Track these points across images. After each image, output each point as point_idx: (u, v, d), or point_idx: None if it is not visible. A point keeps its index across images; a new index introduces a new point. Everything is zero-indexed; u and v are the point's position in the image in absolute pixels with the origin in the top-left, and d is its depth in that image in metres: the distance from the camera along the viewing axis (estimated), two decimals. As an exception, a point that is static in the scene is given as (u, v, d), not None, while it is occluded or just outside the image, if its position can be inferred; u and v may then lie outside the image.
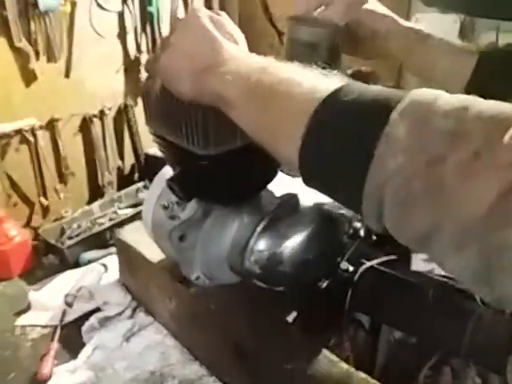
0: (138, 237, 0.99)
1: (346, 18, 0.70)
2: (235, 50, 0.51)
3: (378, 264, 0.77)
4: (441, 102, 0.32)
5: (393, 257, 0.78)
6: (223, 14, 0.56)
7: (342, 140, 0.36)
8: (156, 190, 0.83)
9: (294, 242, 0.71)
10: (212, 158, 0.59)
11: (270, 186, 0.74)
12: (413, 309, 0.73)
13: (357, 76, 1.54)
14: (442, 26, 1.44)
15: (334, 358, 0.68)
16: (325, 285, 0.85)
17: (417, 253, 0.81)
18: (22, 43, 1.14)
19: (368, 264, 0.79)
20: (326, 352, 0.69)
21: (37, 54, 1.19)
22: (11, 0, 1.09)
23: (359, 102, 0.36)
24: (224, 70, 0.47)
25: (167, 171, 0.83)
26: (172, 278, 0.86)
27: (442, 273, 0.70)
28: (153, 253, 0.92)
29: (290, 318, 0.80)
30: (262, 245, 0.73)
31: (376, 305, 0.82)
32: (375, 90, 0.37)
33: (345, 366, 0.67)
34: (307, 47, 0.64)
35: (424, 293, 0.68)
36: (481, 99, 0.32)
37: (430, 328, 0.71)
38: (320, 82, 0.40)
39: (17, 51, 1.15)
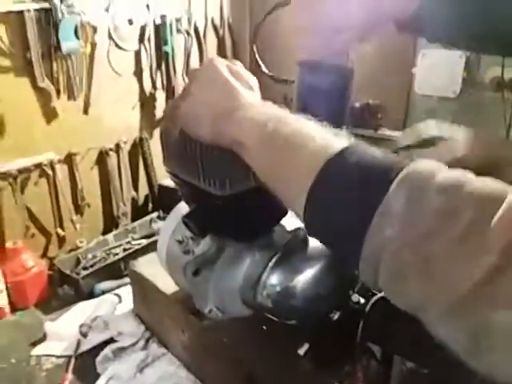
0: (152, 268, 1.02)
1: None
2: (251, 97, 0.54)
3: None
4: (438, 178, 0.33)
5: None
6: (238, 62, 0.60)
7: (343, 203, 0.38)
8: (171, 225, 0.86)
9: (305, 276, 0.73)
10: (227, 198, 0.62)
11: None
12: (423, 340, 0.74)
13: (365, 108, 1.59)
14: (447, 61, 1.49)
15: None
16: (336, 317, 0.87)
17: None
18: (45, 83, 1.20)
19: (379, 295, 0.81)
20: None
21: (58, 92, 1.25)
22: (35, 43, 1.16)
23: (363, 166, 0.38)
24: (241, 116, 0.50)
25: (182, 206, 0.86)
26: (185, 310, 0.88)
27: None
28: (166, 285, 0.94)
29: (301, 351, 0.81)
30: (274, 279, 0.75)
31: (387, 335, 0.83)
32: (377, 155, 0.38)
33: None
34: (317, 91, 0.67)
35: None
36: (476, 178, 0.33)
37: (440, 360, 0.72)
38: (331, 139, 0.42)
39: (39, 90, 1.21)
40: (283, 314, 0.77)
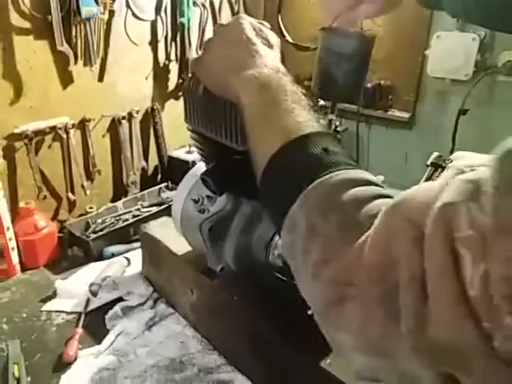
0: (163, 231, 1.04)
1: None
2: (269, 56, 0.55)
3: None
4: (329, 194, 0.37)
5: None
6: (266, 24, 0.62)
7: (276, 189, 0.44)
8: (187, 186, 0.88)
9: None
10: (247, 153, 0.64)
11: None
12: None
13: (376, 89, 1.59)
14: (461, 44, 1.49)
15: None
16: None
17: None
18: (64, 47, 1.21)
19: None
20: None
21: (75, 57, 1.26)
22: (56, 7, 1.16)
23: (296, 165, 0.42)
24: (249, 75, 0.52)
25: (198, 168, 0.88)
26: (196, 270, 0.90)
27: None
28: (177, 246, 0.97)
29: (310, 312, 0.84)
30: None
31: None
32: (315, 157, 0.41)
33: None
34: (340, 57, 0.68)
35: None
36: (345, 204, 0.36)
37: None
38: (304, 124, 0.45)
39: (57, 54, 1.22)
40: (291, 274, 0.80)
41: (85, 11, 1.19)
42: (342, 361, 0.69)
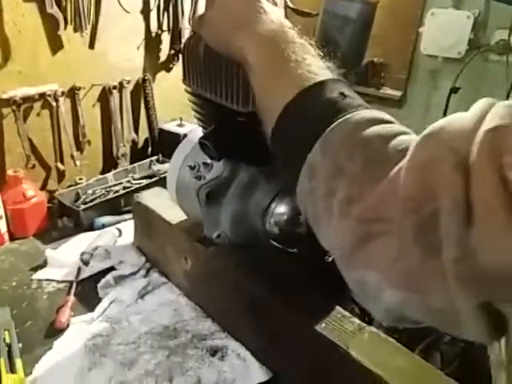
0: (156, 200, 1.03)
1: None
2: (273, 12, 0.54)
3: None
4: (355, 134, 0.36)
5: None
6: None
7: (293, 138, 0.42)
8: (182, 152, 0.87)
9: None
10: (249, 115, 0.64)
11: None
12: None
13: (369, 66, 1.60)
14: (455, 21, 1.49)
15: (346, 313, 0.72)
16: (331, 259, 0.90)
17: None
18: (53, 9, 1.17)
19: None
20: (339, 308, 0.73)
21: (65, 21, 1.22)
22: (45, -33, 1.12)
23: (316, 110, 0.41)
24: (254, 31, 0.51)
25: (194, 136, 0.87)
26: (190, 238, 0.90)
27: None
28: (171, 215, 0.96)
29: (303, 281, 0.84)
30: (282, 208, 0.78)
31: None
32: (333, 100, 0.40)
33: (357, 320, 0.71)
34: (343, 21, 0.67)
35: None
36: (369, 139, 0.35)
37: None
38: (313, 71, 0.44)
39: (47, 17, 1.18)
40: (288, 241, 0.80)
41: (76, -27, 1.15)
42: (336, 324, 0.71)
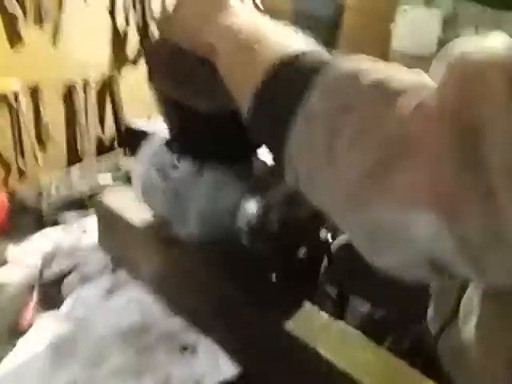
0: (119, 200, 1.02)
1: None
2: (241, 6, 0.53)
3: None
4: (341, 71, 0.34)
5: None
6: None
7: (277, 104, 0.39)
8: (148, 152, 0.87)
9: (281, 204, 0.77)
10: (214, 116, 0.64)
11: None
12: (384, 282, 0.80)
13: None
14: (426, 19, 1.53)
15: (314, 309, 0.74)
16: (302, 254, 0.92)
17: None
18: (12, 4, 1.14)
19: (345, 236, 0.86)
20: (307, 304, 0.74)
21: (25, 15, 1.19)
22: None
23: (299, 72, 0.38)
24: (220, 23, 0.50)
25: (160, 135, 0.87)
26: (153, 239, 0.90)
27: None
28: (134, 215, 0.95)
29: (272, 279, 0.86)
30: (252, 206, 0.79)
31: (350, 276, 0.88)
32: (316, 63, 0.38)
33: (325, 315, 0.72)
34: (312, 21, 0.68)
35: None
36: (377, 66, 0.34)
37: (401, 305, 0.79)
38: (288, 42, 0.43)
39: (5, 11, 1.15)
40: (257, 239, 0.82)
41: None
42: (304, 322, 0.72)
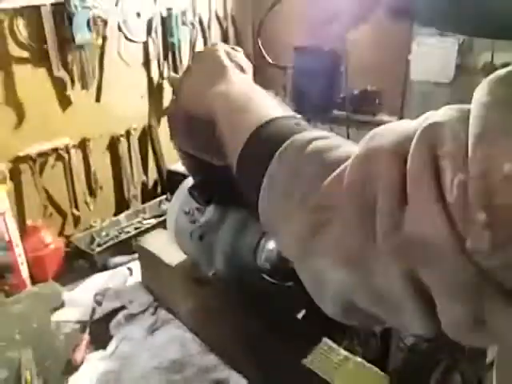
0: (157, 243, 1.10)
1: None
2: (238, 76, 0.60)
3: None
4: (299, 139, 0.39)
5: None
6: (239, 49, 0.69)
7: (251, 171, 0.44)
8: (179, 199, 0.95)
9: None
10: (228, 168, 0.71)
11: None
12: None
13: (363, 94, 1.65)
14: (441, 47, 1.55)
15: (333, 344, 0.77)
16: None
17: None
18: (60, 72, 1.29)
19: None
20: (326, 340, 0.77)
21: (72, 81, 1.34)
22: (51, 35, 1.25)
23: (270, 138, 0.44)
24: (220, 90, 0.56)
25: (189, 181, 0.95)
26: (188, 279, 0.97)
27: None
28: (171, 257, 1.02)
29: (299, 315, 0.89)
30: (271, 244, 0.84)
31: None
32: (288, 129, 0.43)
33: (343, 352, 0.75)
34: (311, 75, 0.74)
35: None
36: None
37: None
38: (269, 110, 0.48)
39: (55, 79, 1.31)
40: (280, 276, 0.86)
41: (79, 38, 1.27)
42: (323, 357, 0.75)
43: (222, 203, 0.85)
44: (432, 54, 1.56)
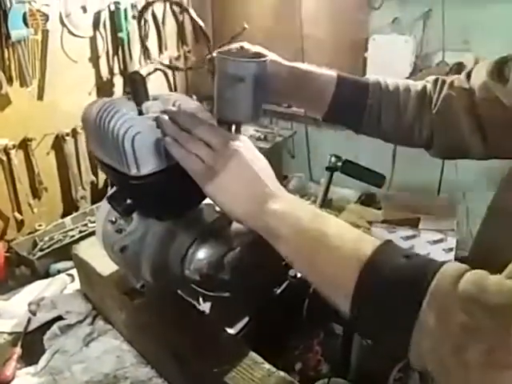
0: (92, 251, 1.05)
1: None
2: (275, 185, 0.59)
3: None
4: (459, 290, 0.39)
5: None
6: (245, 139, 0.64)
7: (385, 313, 0.44)
8: (106, 207, 0.90)
9: (232, 250, 0.78)
10: (142, 178, 0.67)
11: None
12: None
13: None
14: (396, 46, 1.54)
15: (258, 359, 0.74)
16: (279, 291, 0.92)
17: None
18: (-6, 68, 1.22)
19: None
20: (252, 354, 0.75)
21: (10, 79, 1.27)
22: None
23: (396, 275, 0.44)
24: (274, 208, 0.55)
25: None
26: (119, 290, 0.93)
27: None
28: (104, 266, 0.98)
29: (232, 331, 0.86)
30: (201, 254, 0.80)
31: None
32: (407, 263, 0.44)
33: (267, 366, 0.73)
34: (234, 80, 0.70)
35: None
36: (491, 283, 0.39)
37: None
38: (361, 242, 0.49)
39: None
40: (212, 286, 0.82)
41: (14, 34, 1.21)
42: (246, 372, 0.72)
43: (142, 213, 0.81)
44: (387, 52, 1.55)
